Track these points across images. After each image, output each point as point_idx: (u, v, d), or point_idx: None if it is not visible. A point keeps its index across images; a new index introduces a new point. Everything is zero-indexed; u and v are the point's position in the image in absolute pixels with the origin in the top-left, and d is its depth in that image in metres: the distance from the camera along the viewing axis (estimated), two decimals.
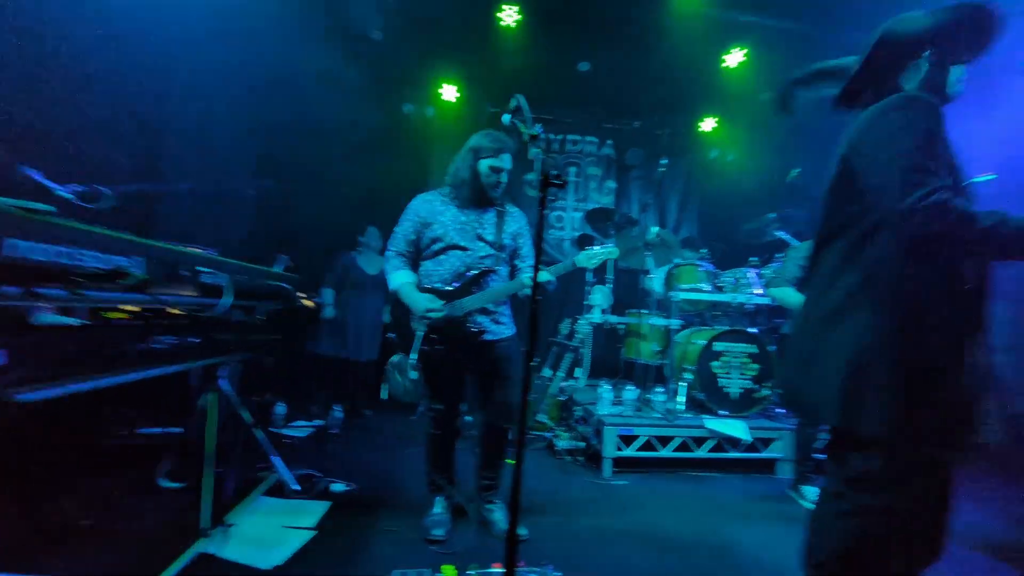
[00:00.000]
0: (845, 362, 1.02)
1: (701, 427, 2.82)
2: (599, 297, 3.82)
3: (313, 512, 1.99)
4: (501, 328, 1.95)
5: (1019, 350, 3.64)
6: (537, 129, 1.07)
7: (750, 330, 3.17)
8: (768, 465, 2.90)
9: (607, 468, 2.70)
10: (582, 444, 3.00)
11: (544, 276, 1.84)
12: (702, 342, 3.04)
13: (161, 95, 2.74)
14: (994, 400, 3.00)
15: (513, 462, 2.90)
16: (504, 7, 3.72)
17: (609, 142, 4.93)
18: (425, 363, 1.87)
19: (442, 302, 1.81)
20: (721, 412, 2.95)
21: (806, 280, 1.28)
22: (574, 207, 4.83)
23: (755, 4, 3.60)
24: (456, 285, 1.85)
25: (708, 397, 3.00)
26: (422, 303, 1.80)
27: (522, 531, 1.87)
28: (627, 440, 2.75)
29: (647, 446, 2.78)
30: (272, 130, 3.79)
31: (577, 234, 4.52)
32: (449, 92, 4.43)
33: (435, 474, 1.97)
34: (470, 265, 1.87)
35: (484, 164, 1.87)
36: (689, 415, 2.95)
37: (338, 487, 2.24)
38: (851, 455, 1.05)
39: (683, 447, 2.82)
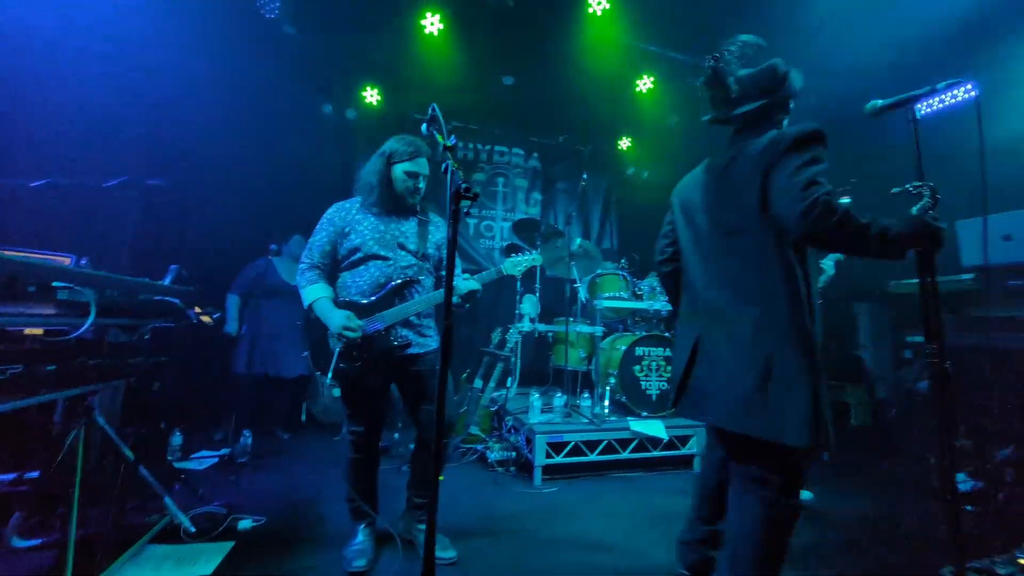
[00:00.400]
0: (762, 375, 1.17)
1: (626, 429, 2.95)
2: (528, 306, 3.88)
3: (212, 556, 1.76)
4: (427, 340, 1.88)
5: (881, 345, 4.30)
6: (452, 140, 1.05)
7: (666, 334, 3.40)
8: (687, 461, 3.10)
9: (538, 477, 2.71)
10: (513, 454, 2.99)
11: (471, 285, 1.82)
12: (624, 347, 3.20)
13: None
14: (864, 389, 3.46)
15: (443, 478, 2.81)
16: (427, 14, 3.70)
17: (535, 155, 5.08)
18: (343, 382, 1.75)
19: (360, 321, 1.71)
20: (643, 413, 3.12)
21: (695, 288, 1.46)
22: (503, 217, 4.89)
23: (660, 36, 3.93)
24: (375, 297, 1.76)
25: (631, 399, 3.15)
26: (337, 320, 1.69)
27: (450, 553, 1.80)
28: (557, 447, 2.79)
29: (576, 451, 2.84)
30: (169, 124, 3.39)
31: (506, 243, 4.56)
32: (372, 95, 4.30)
33: (357, 500, 1.83)
34: (391, 276, 1.79)
35: (399, 169, 1.81)
36: (614, 418, 3.07)
37: (245, 524, 2.01)
38: (776, 464, 1.23)
39: (609, 449, 2.92)
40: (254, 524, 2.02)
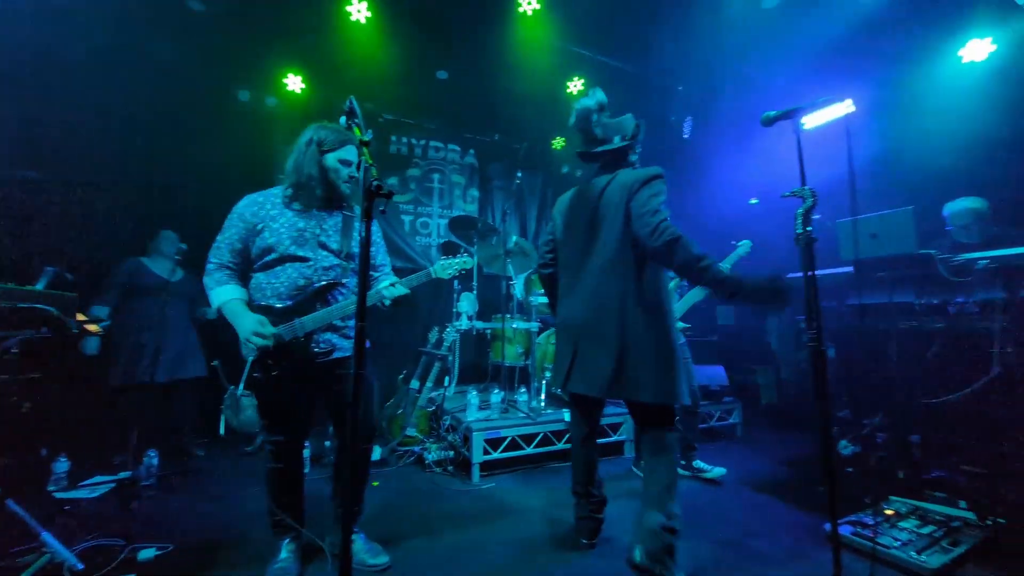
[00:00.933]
0: (656, 356, 1.64)
1: (561, 420, 3.04)
2: (466, 304, 3.87)
3: None
4: (352, 343, 1.80)
5: (785, 331, 4.80)
6: (369, 135, 1.01)
7: None
8: (618, 448, 3.28)
9: (476, 474, 2.73)
10: (451, 453, 2.97)
11: (399, 291, 1.75)
12: None
13: None
14: (770, 370, 3.83)
15: (377, 483, 2.73)
16: (353, 1, 3.53)
17: (472, 151, 5.05)
18: (259, 391, 1.63)
19: (274, 328, 1.58)
20: None
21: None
22: (440, 214, 4.82)
23: (589, 41, 4.07)
24: (293, 302, 1.63)
25: (565, 392, 3.25)
26: (248, 324, 1.55)
27: (381, 559, 1.76)
28: (494, 443, 2.82)
29: (513, 445, 2.89)
30: (44, 111, 2.95)
31: (443, 240, 4.51)
32: (294, 82, 4.01)
33: (279, 514, 1.72)
34: (311, 278, 1.66)
35: (332, 158, 1.69)
36: (550, 411, 3.16)
37: (147, 553, 1.81)
38: (671, 422, 1.73)
39: (546, 442, 3.00)
40: (158, 553, 1.83)
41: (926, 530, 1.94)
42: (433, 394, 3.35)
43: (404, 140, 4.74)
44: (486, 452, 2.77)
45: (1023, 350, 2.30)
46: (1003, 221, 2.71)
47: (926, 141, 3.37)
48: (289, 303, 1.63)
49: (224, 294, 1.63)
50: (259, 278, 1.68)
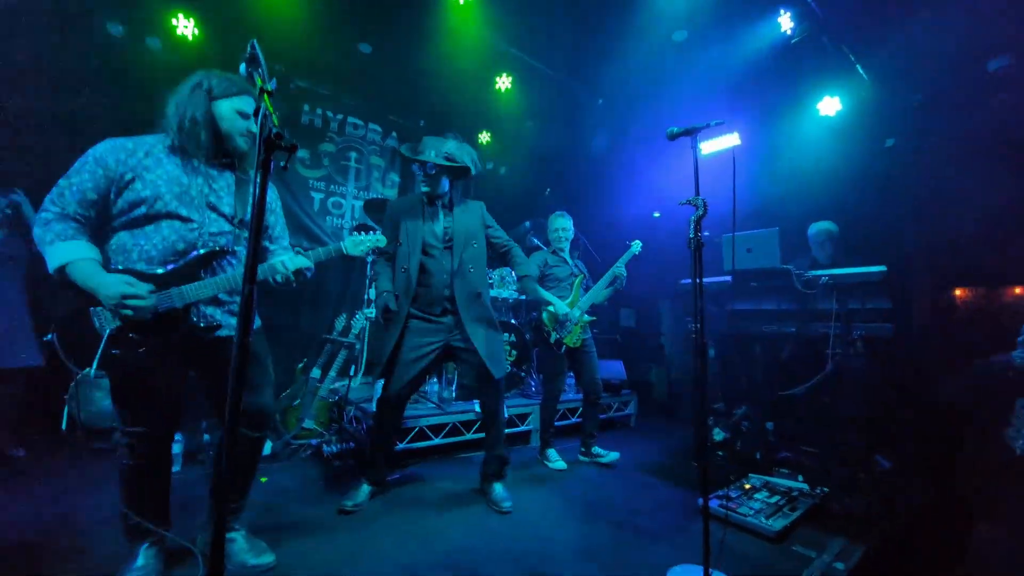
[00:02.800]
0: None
1: (471, 411, 3.05)
2: None
3: None
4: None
5: (676, 334, 5.35)
6: (272, 84, 0.90)
7: (512, 321, 3.63)
8: (525, 437, 3.38)
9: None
10: (352, 445, 2.82)
11: (301, 261, 1.58)
12: None
13: None
14: (662, 368, 4.22)
15: (266, 479, 2.49)
16: None
17: (394, 134, 4.84)
18: (117, 373, 1.37)
19: (147, 289, 1.34)
20: None
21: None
22: (354, 195, 4.54)
23: (520, 40, 4.15)
24: (172, 267, 1.40)
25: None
26: (114, 286, 1.29)
27: (266, 559, 1.61)
28: (401, 434, 2.74)
29: (421, 436, 2.83)
30: None
31: (356, 223, 4.26)
32: (185, 26, 3.45)
33: (137, 517, 1.47)
34: (193, 242, 1.44)
35: (226, 106, 1.48)
36: (461, 402, 3.15)
37: None
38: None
39: (455, 432, 2.99)
40: None
41: (773, 500, 2.30)
42: (337, 384, 3.15)
43: (319, 112, 4.37)
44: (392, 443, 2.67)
45: (848, 352, 2.83)
46: (844, 244, 3.31)
47: (795, 174, 4.01)
48: (163, 269, 1.40)
49: (71, 251, 1.32)
50: (122, 237, 1.41)
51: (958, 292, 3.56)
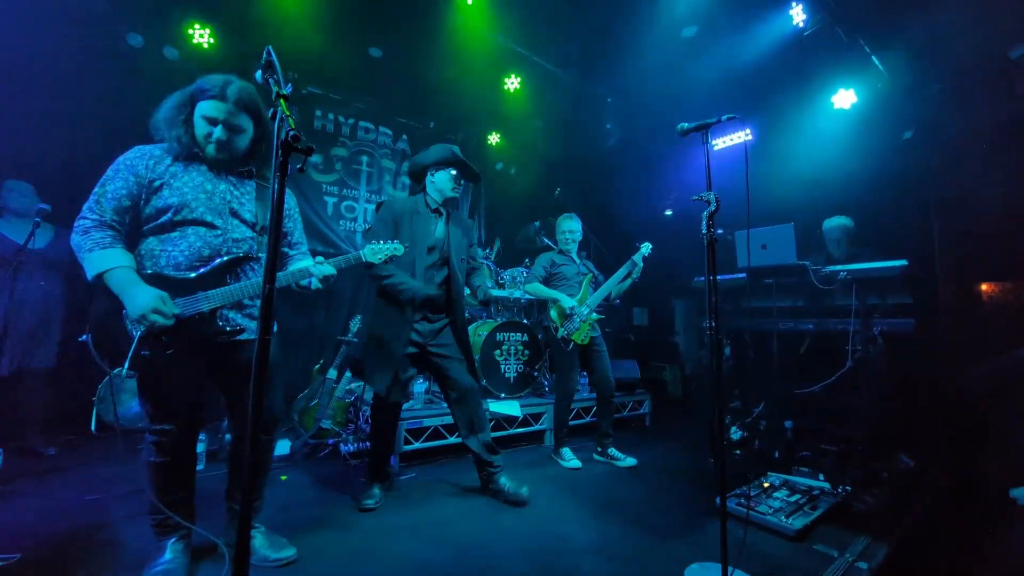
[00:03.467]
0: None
1: (485, 410, 3.07)
2: None
3: None
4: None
5: (689, 332, 5.30)
6: (288, 89, 0.92)
7: (524, 321, 3.64)
8: (539, 436, 3.38)
9: (395, 464, 2.65)
10: (369, 444, 2.85)
11: (326, 270, 1.62)
12: (486, 333, 3.33)
13: None
14: (677, 367, 4.17)
15: (286, 477, 2.54)
16: None
17: (404, 137, 4.89)
18: (146, 373, 1.42)
19: (176, 307, 1.38)
20: (501, 395, 3.29)
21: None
22: (366, 198, 4.60)
23: (528, 40, 4.16)
24: (199, 273, 1.44)
25: (490, 382, 3.29)
26: (146, 300, 1.32)
27: (285, 553, 1.64)
28: (416, 433, 2.77)
29: (436, 435, 2.85)
30: None
31: (369, 226, 4.30)
32: (202, 35, 3.55)
33: (163, 510, 1.50)
34: (218, 248, 1.49)
35: (196, 112, 1.48)
36: None
37: None
38: None
39: None
40: (2, 564, 1.53)
41: (793, 499, 2.26)
42: (352, 385, 3.20)
43: (331, 117, 4.44)
44: (407, 442, 2.70)
45: (869, 349, 2.77)
46: (859, 240, 3.24)
47: (809, 168, 3.94)
48: (191, 275, 1.43)
49: (109, 259, 1.36)
50: (151, 243, 1.45)
51: (984, 287, 3.45)
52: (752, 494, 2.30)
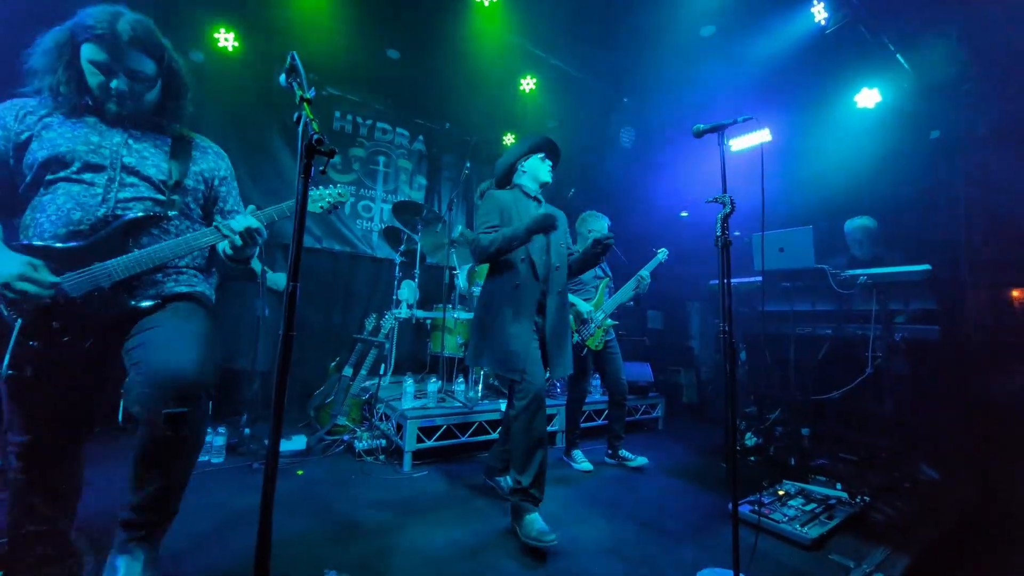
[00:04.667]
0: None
1: (497, 411, 3.08)
2: (407, 292, 3.79)
3: None
4: (190, 279, 1.38)
5: (705, 336, 5.23)
6: (311, 93, 0.95)
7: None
8: (550, 438, 3.38)
9: (408, 462, 2.69)
10: (383, 442, 2.90)
11: (248, 221, 1.27)
12: None
13: None
14: (692, 371, 4.13)
15: (302, 472, 2.59)
16: None
17: (420, 138, 4.95)
18: (31, 369, 1.12)
19: (51, 275, 1.11)
20: None
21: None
22: (383, 198, 4.66)
23: (544, 41, 4.16)
24: (87, 242, 1.17)
25: (502, 382, 3.31)
26: (9, 268, 1.06)
27: None
28: (429, 432, 2.80)
29: (448, 434, 2.88)
30: None
31: (385, 226, 4.37)
32: (226, 39, 3.66)
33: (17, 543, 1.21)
34: (94, 210, 1.20)
35: (85, 52, 1.20)
36: (487, 401, 3.19)
37: None
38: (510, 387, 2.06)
39: (481, 431, 3.03)
40: None
41: (809, 507, 2.22)
42: (367, 382, 3.25)
43: (349, 118, 4.52)
44: (420, 440, 2.74)
45: (890, 355, 2.70)
46: (882, 243, 3.16)
47: (831, 170, 3.85)
48: (81, 243, 1.17)
49: None
50: (27, 212, 1.22)
51: (1016, 293, 3.33)
52: (766, 501, 2.26)
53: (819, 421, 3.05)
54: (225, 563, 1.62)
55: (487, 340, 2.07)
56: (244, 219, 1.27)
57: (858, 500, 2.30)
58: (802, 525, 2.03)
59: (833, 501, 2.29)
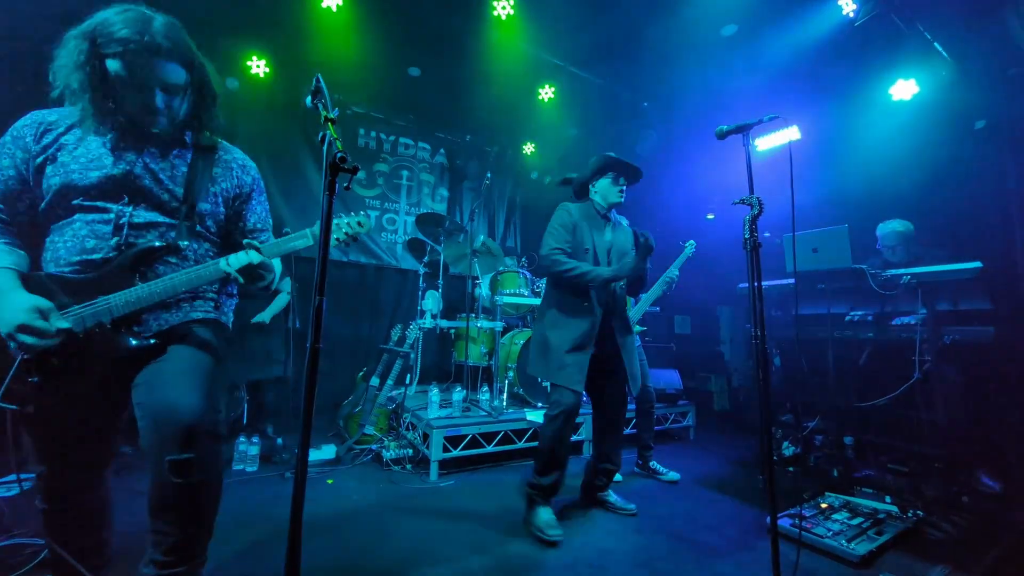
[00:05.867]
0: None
1: (522, 420, 3.06)
2: (431, 302, 3.84)
3: None
4: (205, 304, 1.30)
5: (736, 341, 5.06)
6: (335, 113, 0.98)
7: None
8: (577, 446, 3.32)
9: (434, 471, 2.69)
10: (410, 451, 2.93)
11: (251, 258, 1.19)
12: (523, 341, 3.33)
13: None
14: (723, 378, 4.00)
15: (332, 481, 2.63)
16: None
17: (442, 151, 5.04)
18: (35, 403, 1.07)
19: (63, 321, 1.06)
20: (539, 404, 3.27)
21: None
22: (406, 211, 4.77)
23: (561, 50, 4.18)
24: (94, 275, 1.11)
25: (527, 391, 3.29)
26: (12, 314, 1.00)
27: None
28: (454, 441, 2.80)
29: (473, 443, 2.88)
30: None
31: (409, 238, 4.45)
32: (258, 66, 3.88)
33: (63, 555, 1.20)
34: (107, 238, 1.13)
35: (113, 64, 1.07)
36: (512, 410, 3.17)
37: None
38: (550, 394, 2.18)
39: (506, 440, 3.01)
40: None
41: (855, 521, 2.09)
42: (394, 392, 3.29)
43: (373, 135, 4.67)
44: (446, 450, 2.74)
45: (940, 359, 2.54)
46: (925, 242, 2.99)
47: (866, 166, 3.69)
48: (86, 276, 1.11)
49: None
50: (50, 236, 1.16)
51: None
52: (807, 514, 2.15)
53: (863, 429, 2.88)
54: (260, 573, 1.66)
55: (546, 356, 2.17)
56: (245, 256, 1.19)
57: (910, 514, 2.16)
58: (848, 540, 1.91)
59: (882, 515, 2.15)
